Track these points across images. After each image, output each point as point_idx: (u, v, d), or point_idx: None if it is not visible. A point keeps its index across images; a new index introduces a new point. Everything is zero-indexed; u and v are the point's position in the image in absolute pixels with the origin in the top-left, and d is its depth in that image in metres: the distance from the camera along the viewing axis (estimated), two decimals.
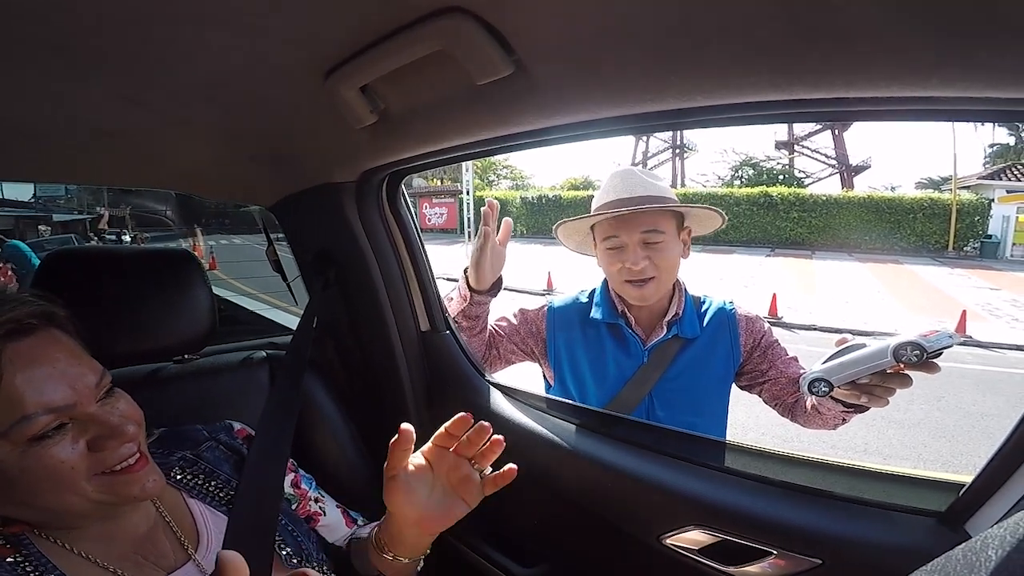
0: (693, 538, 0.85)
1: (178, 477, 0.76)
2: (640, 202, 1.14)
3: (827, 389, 0.86)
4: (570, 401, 1.21)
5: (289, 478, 0.86)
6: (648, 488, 0.91)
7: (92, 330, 0.76)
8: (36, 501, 0.57)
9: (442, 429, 0.71)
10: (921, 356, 0.77)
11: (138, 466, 0.61)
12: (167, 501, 0.72)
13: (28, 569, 0.57)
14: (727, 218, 1.25)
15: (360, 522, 0.92)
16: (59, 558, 0.59)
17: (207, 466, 0.79)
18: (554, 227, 1.34)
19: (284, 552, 0.74)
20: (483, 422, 0.70)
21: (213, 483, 0.78)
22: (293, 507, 0.84)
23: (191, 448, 0.80)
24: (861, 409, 0.95)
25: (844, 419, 1.03)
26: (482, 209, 1.16)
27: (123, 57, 0.62)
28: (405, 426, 0.69)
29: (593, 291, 1.32)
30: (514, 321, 1.33)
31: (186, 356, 1.05)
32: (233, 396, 1.06)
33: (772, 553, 0.78)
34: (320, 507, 0.88)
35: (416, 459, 0.72)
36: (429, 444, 0.73)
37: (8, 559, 0.57)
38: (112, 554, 0.63)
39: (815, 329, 7.81)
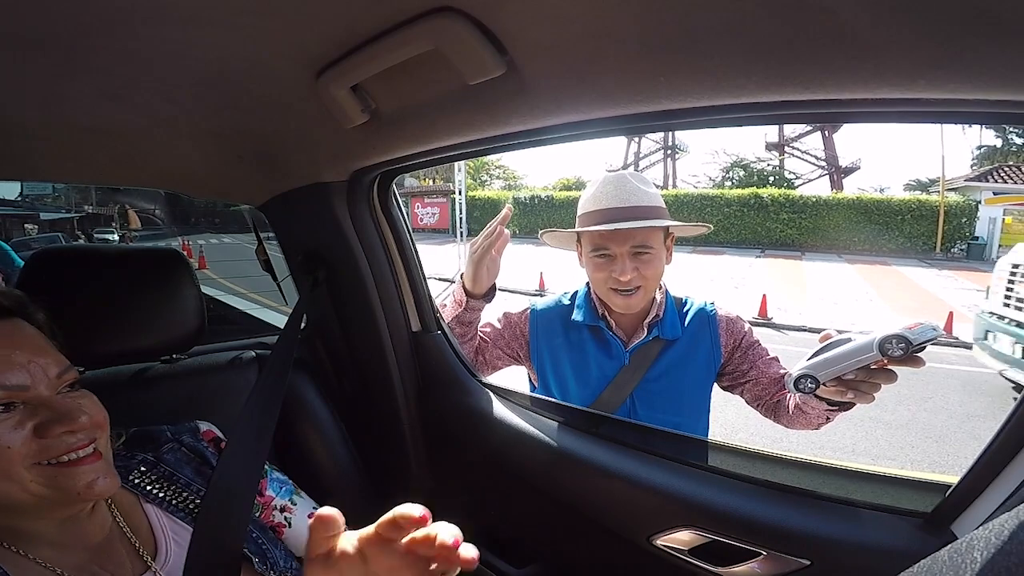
0: (683, 538, 0.85)
1: (136, 481, 0.73)
2: (634, 212, 1.13)
3: (813, 386, 0.86)
4: (562, 402, 1.21)
5: None
6: (639, 489, 0.91)
7: (78, 330, 0.75)
8: None
9: (389, 516, 0.51)
10: (906, 349, 0.77)
11: (87, 460, 0.59)
12: (124, 508, 0.70)
13: None
14: (711, 227, 1.25)
15: None
16: (13, 565, 0.57)
17: (166, 469, 0.76)
18: (541, 232, 1.34)
19: (255, 560, 0.72)
20: (440, 531, 0.50)
21: (172, 487, 0.75)
22: (257, 515, 0.81)
23: (152, 450, 0.77)
24: (845, 407, 0.94)
25: (828, 418, 1.03)
26: (503, 212, 1.16)
27: (111, 56, 0.61)
28: (326, 511, 0.51)
29: (575, 293, 1.32)
30: (498, 326, 1.33)
31: (174, 356, 1.05)
32: (221, 396, 1.05)
33: (761, 553, 0.78)
34: (285, 517, 0.84)
35: (347, 544, 0.52)
36: (370, 531, 0.52)
37: None
38: (68, 563, 0.61)
39: (805, 330, 7.86)
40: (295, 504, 0.86)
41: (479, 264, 1.16)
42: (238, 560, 0.69)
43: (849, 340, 0.84)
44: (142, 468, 0.75)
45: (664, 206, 1.19)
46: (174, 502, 0.74)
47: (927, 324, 0.79)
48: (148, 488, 0.74)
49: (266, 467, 0.87)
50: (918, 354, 0.79)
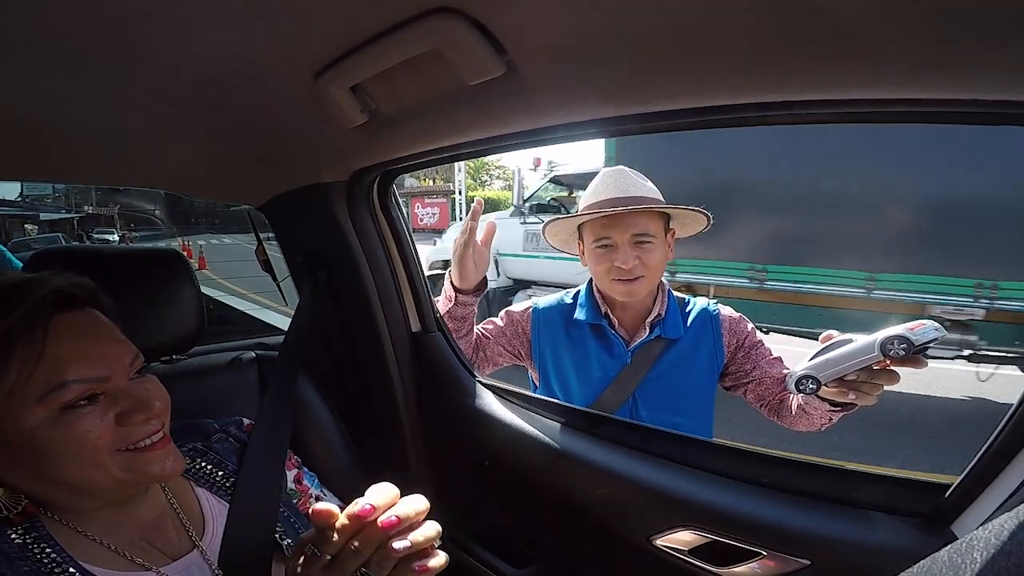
0: (683, 539, 0.85)
1: (188, 466, 0.77)
2: (632, 202, 1.15)
3: (814, 386, 0.86)
4: (562, 402, 1.21)
5: (292, 474, 0.88)
6: (638, 489, 0.91)
7: None
8: (60, 474, 0.57)
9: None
10: (908, 350, 0.77)
11: (159, 445, 0.63)
12: (176, 490, 0.74)
13: (36, 550, 0.58)
14: (712, 220, 1.25)
15: None
16: (67, 539, 0.60)
17: (216, 456, 0.81)
18: (543, 225, 1.34)
19: (285, 543, 0.75)
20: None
21: (220, 472, 0.79)
22: (296, 502, 0.86)
23: (202, 440, 0.82)
24: (848, 408, 0.95)
25: (831, 419, 1.03)
26: (472, 205, 1.17)
27: (110, 56, 0.61)
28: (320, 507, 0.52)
29: (578, 292, 1.32)
30: (500, 323, 1.33)
31: (174, 356, 1.04)
32: (222, 397, 1.04)
33: (761, 554, 0.78)
34: None
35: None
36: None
37: (16, 540, 0.57)
38: (120, 539, 0.64)
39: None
40: (325, 495, 0.91)
41: (462, 261, 1.17)
42: (270, 535, 0.73)
43: (851, 341, 0.84)
44: (193, 455, 0.79)
45: (663, 199, 1.20)
46: (224, 485, 0.79)
47: (929, 325, 0.79)
48: (199, 472, 0.78)
49: (299, 462, 0.92)
50: (920, 354, 0.78)
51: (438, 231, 25.16)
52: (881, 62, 0.45)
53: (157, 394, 0.65)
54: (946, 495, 0.70)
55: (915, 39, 0.41)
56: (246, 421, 0.90)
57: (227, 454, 0.82)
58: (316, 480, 0.92)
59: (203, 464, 0.79)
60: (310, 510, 0.53)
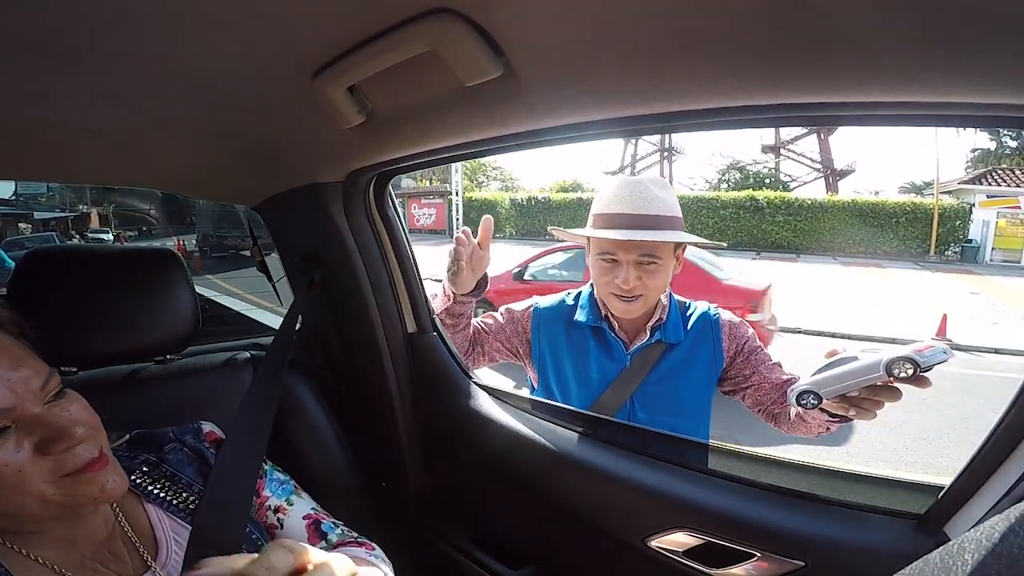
0: (678, 540, 0.85)
1: (137, 481, 0.73)
2: (646, 221, 1.12)
3: (816, 402, 0.86)
4: (557, 403, 1.21)
5: None
6: (633, 490, 0.91)
7: (71, 330, 0.75)
8: None
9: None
10: (914, 371, 0.77)
11: (97, 466, 0.59)
12: (125, 507, 0.70)
13: None
14: (724, 244, 1.25)
15: (331, 537, 0.85)
16: (14, 563, 0.58)
17: (169, 469, 0.76)
18: (550, 228, 1.34)
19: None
20: None
21: (174, 488, 0.75)
22: (252, 514, 0.81)
23: (155, 451, 0.77)
24: (846, 419, 0.95)
25: (828, 428, 1.03)
26: (481, 227, 1.15)
27: (105, 55, 0.61)
28: None
29: (579, 293, 1.32)
30: (500, 319, 1.33)
31: (168, 356, 1.04)
32: (216, 397, 1.04)
33: (755, 555, 0.79)
34: (278, 518, 0.83)
35: None
36: None
37: None
38: (70, 560, 0.61)
39: (801, 332, 7.89)
40: (291, 504, 0.85)
41: (456, 276, 1.16)
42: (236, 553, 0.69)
43: (855, 358, 0.83)
44: (144, 468, 0.75)
45: (680, 216, 1.17)
46: (175, 502, 0.74)
47: (938, 347, 0.78)
48: (150, 488, 0.74)
49: (267, 467, 0.86)
50: (924, 375, 0.79)
51: (435, 231, 25.20)
52: (878, 65, 0.45)
53: (80, 418, 0.60)
54: (939, 497, 0.70)
55: (912, 42, 0.42)
56: (206, 428, 0.85)
57: (181, 465, 0.77)
58: (287, 486, 0.86)
59: (155, 479, 0.75)
60: None
